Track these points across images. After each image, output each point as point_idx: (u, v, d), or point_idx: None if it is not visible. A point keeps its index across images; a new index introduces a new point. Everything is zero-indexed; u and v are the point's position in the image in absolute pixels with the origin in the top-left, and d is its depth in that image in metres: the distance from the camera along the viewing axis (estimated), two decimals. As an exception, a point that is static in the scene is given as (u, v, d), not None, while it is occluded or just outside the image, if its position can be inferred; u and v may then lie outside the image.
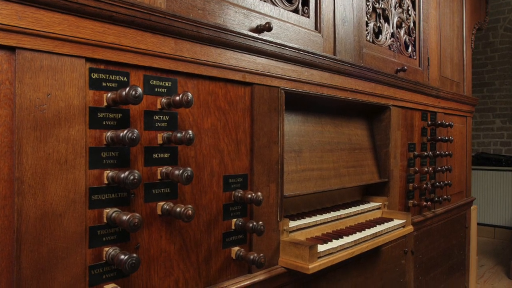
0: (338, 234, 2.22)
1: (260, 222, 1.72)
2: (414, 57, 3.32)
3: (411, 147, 3.20)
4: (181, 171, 1.38)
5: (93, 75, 1.30)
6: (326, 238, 2.14)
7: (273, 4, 2.03)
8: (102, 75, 1.32)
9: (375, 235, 2.35)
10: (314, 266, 1.88)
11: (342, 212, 2.47)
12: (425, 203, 3.20)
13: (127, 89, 1.23)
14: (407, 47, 3.24)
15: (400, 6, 3.15)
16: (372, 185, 2.95)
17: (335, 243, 2.09)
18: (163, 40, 1.46)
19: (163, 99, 1.47)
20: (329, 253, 2.01)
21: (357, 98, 2.51)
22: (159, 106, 1.48)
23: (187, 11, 1.58)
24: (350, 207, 2.63)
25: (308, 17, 2.24)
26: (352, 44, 2.51)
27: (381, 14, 2.94)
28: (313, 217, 2.29)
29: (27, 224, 1.15)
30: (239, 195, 1.75)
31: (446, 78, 3.81)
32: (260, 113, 1.86)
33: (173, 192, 1.53)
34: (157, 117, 1.47)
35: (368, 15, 2.77)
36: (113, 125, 1.34)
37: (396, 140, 2.97)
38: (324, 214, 2.36)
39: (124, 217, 1.22)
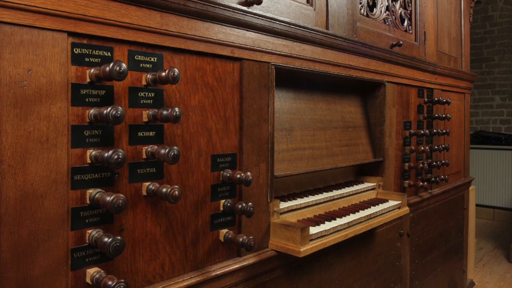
0: (330, 216, 2.24)
1: (250, 203, 1.74)
2: (410, 32, 3.33)
3: (407, 125, 3.24)
4: (167, 150, 1.40)
5: (76, 50, 1.30)
6: (318, 220, 2.17)
7: (263, -26, 2.03)
8: (85, 50, 1.33)
9: (369, 217, 2.39)
10: (305, 249, 1.90)
11: (335, 193, 2.51)
12: (421, 183, 3.24)
13: (111, 64, 1.24)
14: (402, 21, 3.26)
15: (396, -23, 3.16)
16: (366, 164, 2.99)
17: (327, 225, 2.11)
18: (148, 14, 1.47)
19: (148, 75, 1.49)
20: (321, 235, 2.03)
21: (350, 74, 2.53)
22: (144, 83, 1.49)
23: (172, -18, 1.58)
24: (344, 187, 2.66)
25: (300, -12, 2.24)
26: (345, 17, 2.52)
27: (376, -15, 2.95)
28: (304, 198, 2.31)
29: (6, 205, 1.16)
30: (228, 175, 1.77)
31: (443, 53, 3.83)
32: (249, 89, 1.88)
33: (159, 172, 1.55)
34: (142, 94, 1.49)
35: (362, -13, 2.77)
36: (96, 102, 1.36)
37: (391, 118, 3.00)
38: (316, 195, 2.39)
39: (108, 198, 1.24)
